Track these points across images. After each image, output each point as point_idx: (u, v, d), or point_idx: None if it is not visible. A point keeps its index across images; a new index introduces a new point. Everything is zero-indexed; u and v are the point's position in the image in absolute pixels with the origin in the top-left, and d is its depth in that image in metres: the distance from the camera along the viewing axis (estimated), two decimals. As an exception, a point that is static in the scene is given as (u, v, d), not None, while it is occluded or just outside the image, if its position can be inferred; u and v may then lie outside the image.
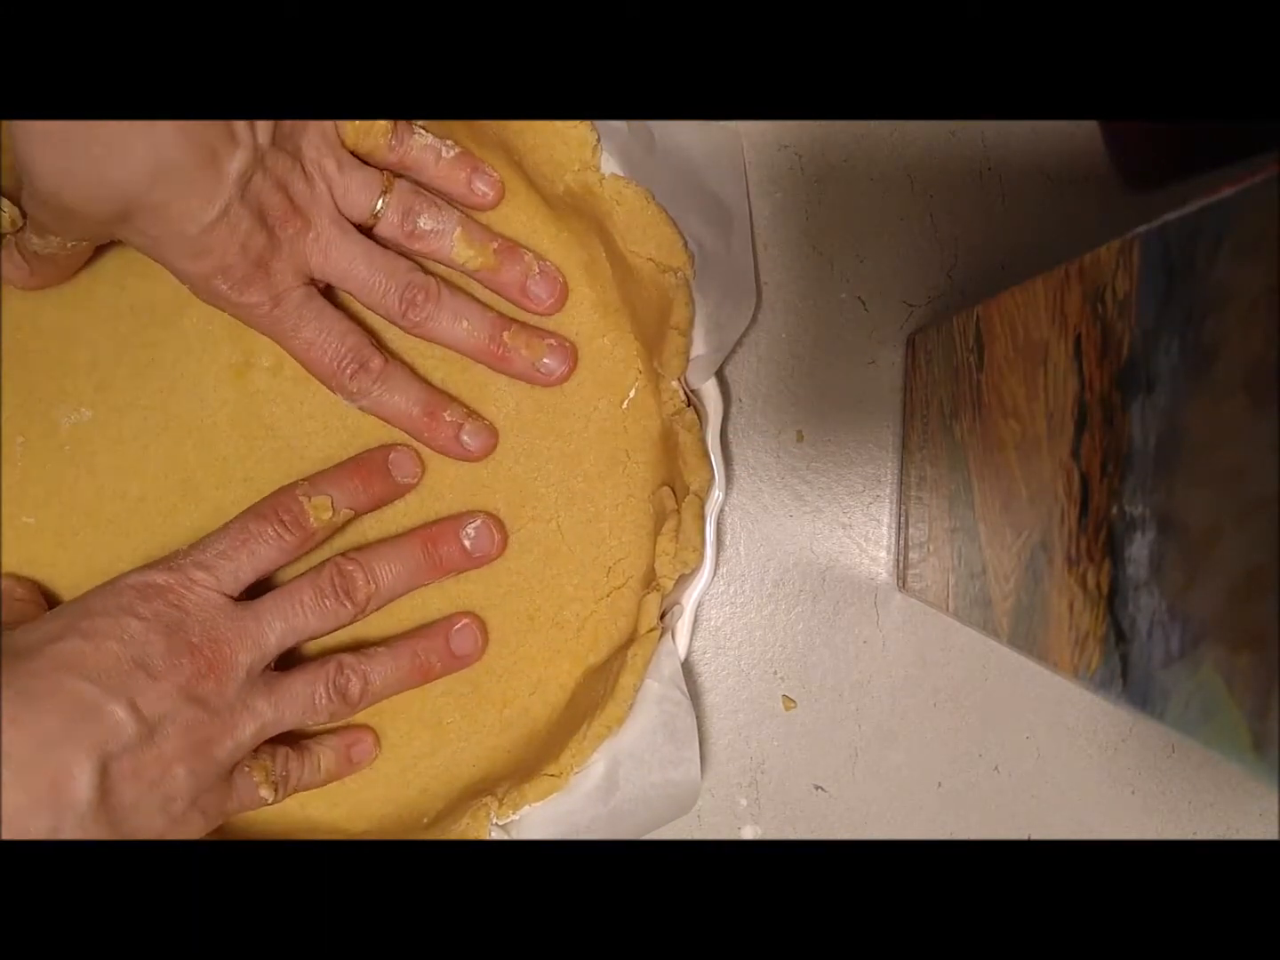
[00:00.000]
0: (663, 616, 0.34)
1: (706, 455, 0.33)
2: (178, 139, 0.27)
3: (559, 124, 0.32)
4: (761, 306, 0.37)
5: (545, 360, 0.35)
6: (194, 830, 0.30)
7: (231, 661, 0.30)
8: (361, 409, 0.34)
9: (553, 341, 0.35)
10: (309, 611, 0.32)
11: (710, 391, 0.34)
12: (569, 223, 0.35)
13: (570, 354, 0.35)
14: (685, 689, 0.33)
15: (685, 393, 0.34)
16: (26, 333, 0.35)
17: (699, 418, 0.34)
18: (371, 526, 0.36)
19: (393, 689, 0.34)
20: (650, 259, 0.33)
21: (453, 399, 0.35)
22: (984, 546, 0.27)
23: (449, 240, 0.33)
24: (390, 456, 0.35)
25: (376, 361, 0.33)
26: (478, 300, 0.35)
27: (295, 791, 0.34)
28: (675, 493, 0.34)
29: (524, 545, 0.36)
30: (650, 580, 0.34)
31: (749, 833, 0.37)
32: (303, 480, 0.34)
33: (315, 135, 0.31)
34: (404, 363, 0.35)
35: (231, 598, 0.31)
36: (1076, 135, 0.36)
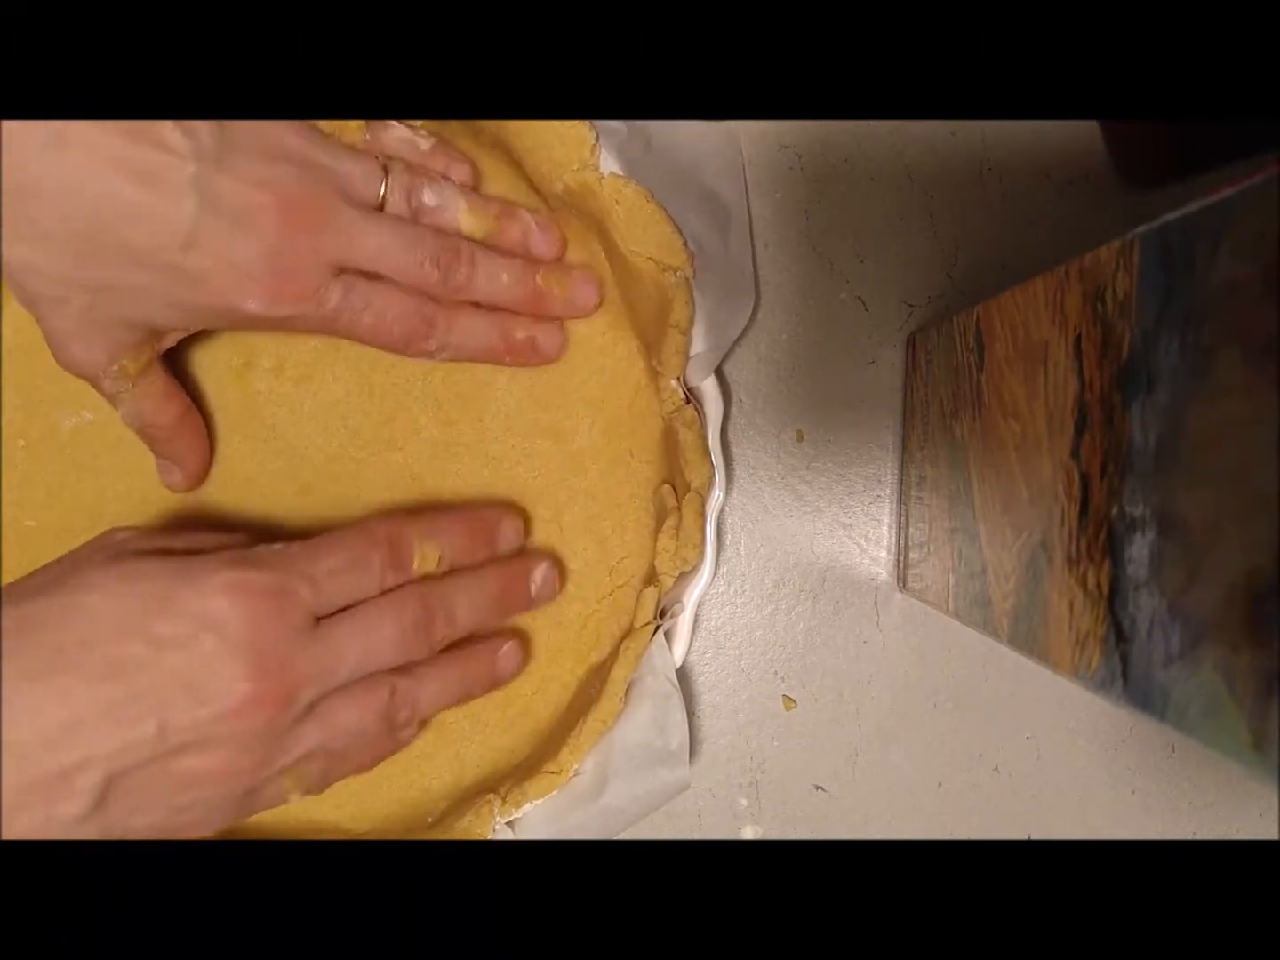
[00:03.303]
0: (662, 614, 0.34)
1: (707, 452, 0.33)
2: (94, 165, 0.26)
3: (557, 124, 0.32)
4: (761, 306, 0.37)
5: (577, 293, 0.35)
6: (198, 834, 0.28)
7: (295, 697, 0.27)
8: (443, 361, 0.34)
9: (576, 273, 0.35)
10: (388, 646, 0.29)
11: (710, 391, 0.34)
12: (568, 222, 0.35)
13: (594, 279, 0.35)
14: (675, 681, 0.33)
15: (684, 391, 0.34)
16: (27, 334, 0.35)
17: (699, 415, 0.34)
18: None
19: (434, 712, 0.33)
20: (650, 258, 0.33)
21: (514, 313, 0.34)
22: (984, 546, 0.27)
23: (454, 212, 0.33)
24: (501, 523, 0.34)
25: (440, 315, 0.33)
26: (499, 249, 0.34)
27: (333, 784, 0.31)
28: (676, 490, 0.34)
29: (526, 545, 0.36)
30: (652, 579, 0.34)
31: (749, 833, 0.37)
32: (415, 518, 0.32)
33: (294, 126, 0.30)
34: (459, 300, 0.33)
35: (316, 621, 0.29)
36: (1076, 135, 0.36)
